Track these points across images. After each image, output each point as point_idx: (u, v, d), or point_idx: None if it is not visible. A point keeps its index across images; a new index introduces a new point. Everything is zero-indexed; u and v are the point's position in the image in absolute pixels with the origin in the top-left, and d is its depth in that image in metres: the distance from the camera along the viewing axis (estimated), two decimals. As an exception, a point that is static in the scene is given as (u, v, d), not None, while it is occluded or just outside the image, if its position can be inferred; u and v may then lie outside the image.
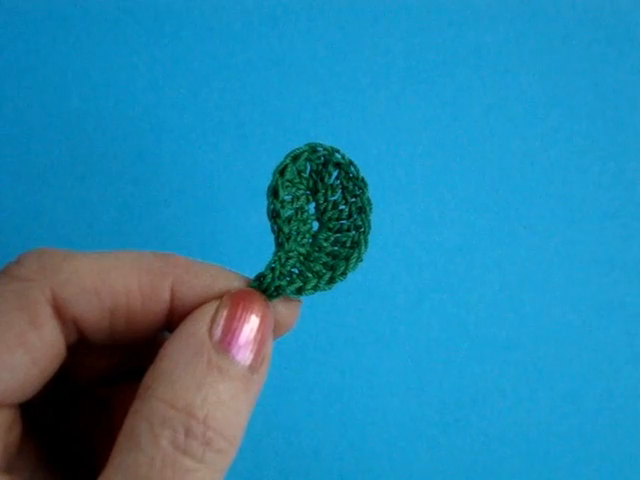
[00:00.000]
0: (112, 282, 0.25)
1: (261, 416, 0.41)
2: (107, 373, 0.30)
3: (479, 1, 0.46)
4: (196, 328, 0.25)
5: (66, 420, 0.30)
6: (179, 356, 0.24)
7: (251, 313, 0.25)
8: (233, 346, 0.24)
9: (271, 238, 0.29)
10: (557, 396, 0.43)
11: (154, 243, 0.43)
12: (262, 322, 0.25)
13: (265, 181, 0.29)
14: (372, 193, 0.31)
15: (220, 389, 0.24)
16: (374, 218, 0.30)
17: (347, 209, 0.30)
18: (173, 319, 0.26)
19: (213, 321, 0.25)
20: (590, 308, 0.44)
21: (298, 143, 0.44)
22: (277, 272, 0.27)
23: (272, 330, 0.26)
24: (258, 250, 0.43)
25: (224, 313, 0.25)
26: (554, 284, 0.44)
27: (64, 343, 0.26)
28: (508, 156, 0.45)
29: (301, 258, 0.28)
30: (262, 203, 0.29)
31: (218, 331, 0.24)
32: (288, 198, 0.29)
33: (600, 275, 0.44)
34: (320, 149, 0.29)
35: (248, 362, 0.24)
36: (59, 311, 0.25)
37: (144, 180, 0.44)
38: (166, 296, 0.26)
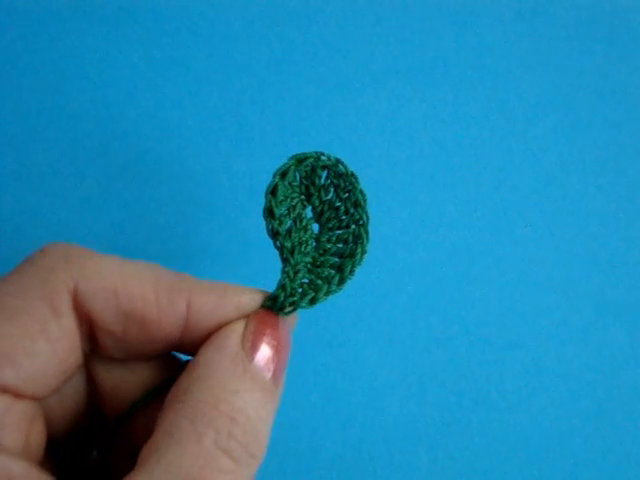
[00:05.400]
0: (131, 287, 0.26)
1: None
2: (125, 396, 0.30)
3: (479, 1, 0.46)
4: (230, 340, 0.26)
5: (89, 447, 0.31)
6: (215, 364, 0.26)
7: (273, 332, 0.27)
8: (261, 360, 0.26)
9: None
10: (557, 396, 0.43)
11: (154, 243, 0.43)
12: (281, 342, 0.27)
13: (266, 180, 0.29)
14: (372, 194, 0.31)
15: (255, 397, 0.25)
16: (375, 216, 0.30)
17: (343, 206, 0.30)
18: (187, 338, 0.27)
19: (243, 336, 0.26)
20: (591, 308, 0.44)
21: (298, 143, 0.45)
22: (289, 289, 0.28)
23: (290, 349, 0.28)
24: (258, 249, 0.43)
25: (252, 329, 0.27)
26: (554, 284, 0.44)
27: (80, 339, 0.26)
28: (508, 156, 0.45)
29: (308, 266, 0.29)
30: (262, 202, 0.30)
31: (248, 346, 0.26)
32: (284, 211, 0.29)
33: (600, 275, 0.44)
34: (305, 159, 0.29)
35: (270, 375, 0.26)
36: (77, 305, 0.26)
37: (144, 180, 0.44)
38: (182, 310, 0.27)
